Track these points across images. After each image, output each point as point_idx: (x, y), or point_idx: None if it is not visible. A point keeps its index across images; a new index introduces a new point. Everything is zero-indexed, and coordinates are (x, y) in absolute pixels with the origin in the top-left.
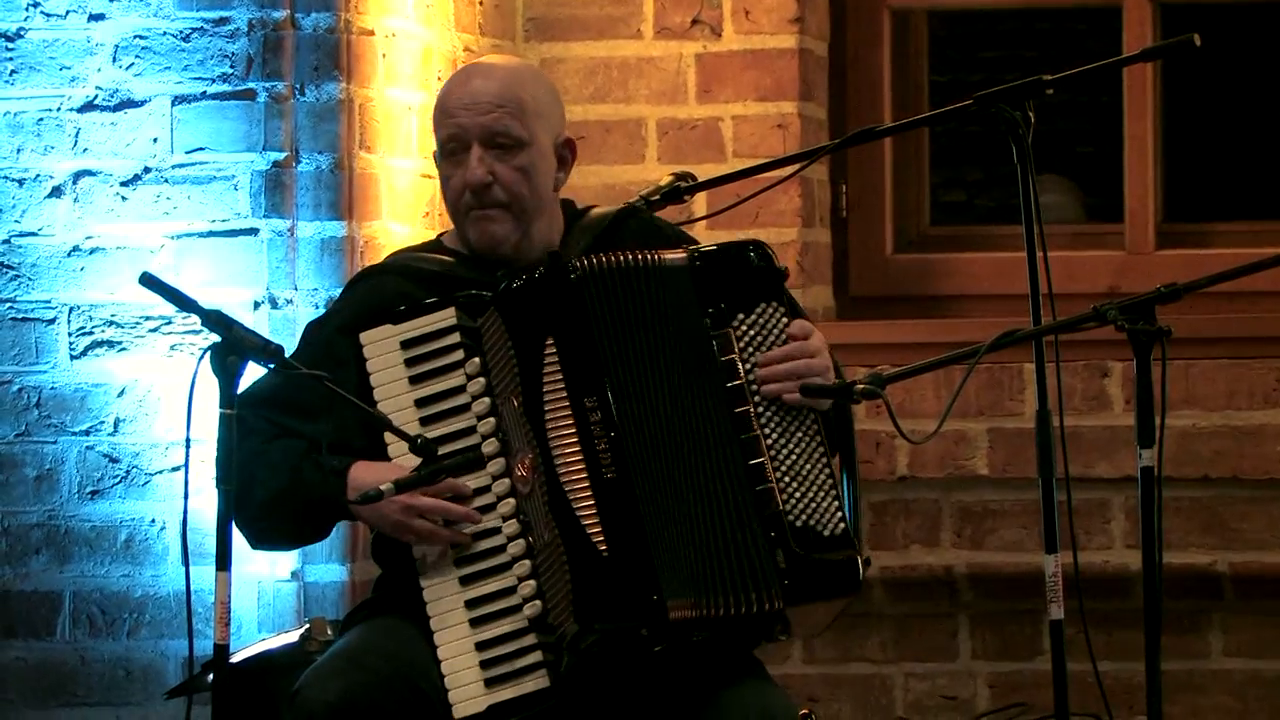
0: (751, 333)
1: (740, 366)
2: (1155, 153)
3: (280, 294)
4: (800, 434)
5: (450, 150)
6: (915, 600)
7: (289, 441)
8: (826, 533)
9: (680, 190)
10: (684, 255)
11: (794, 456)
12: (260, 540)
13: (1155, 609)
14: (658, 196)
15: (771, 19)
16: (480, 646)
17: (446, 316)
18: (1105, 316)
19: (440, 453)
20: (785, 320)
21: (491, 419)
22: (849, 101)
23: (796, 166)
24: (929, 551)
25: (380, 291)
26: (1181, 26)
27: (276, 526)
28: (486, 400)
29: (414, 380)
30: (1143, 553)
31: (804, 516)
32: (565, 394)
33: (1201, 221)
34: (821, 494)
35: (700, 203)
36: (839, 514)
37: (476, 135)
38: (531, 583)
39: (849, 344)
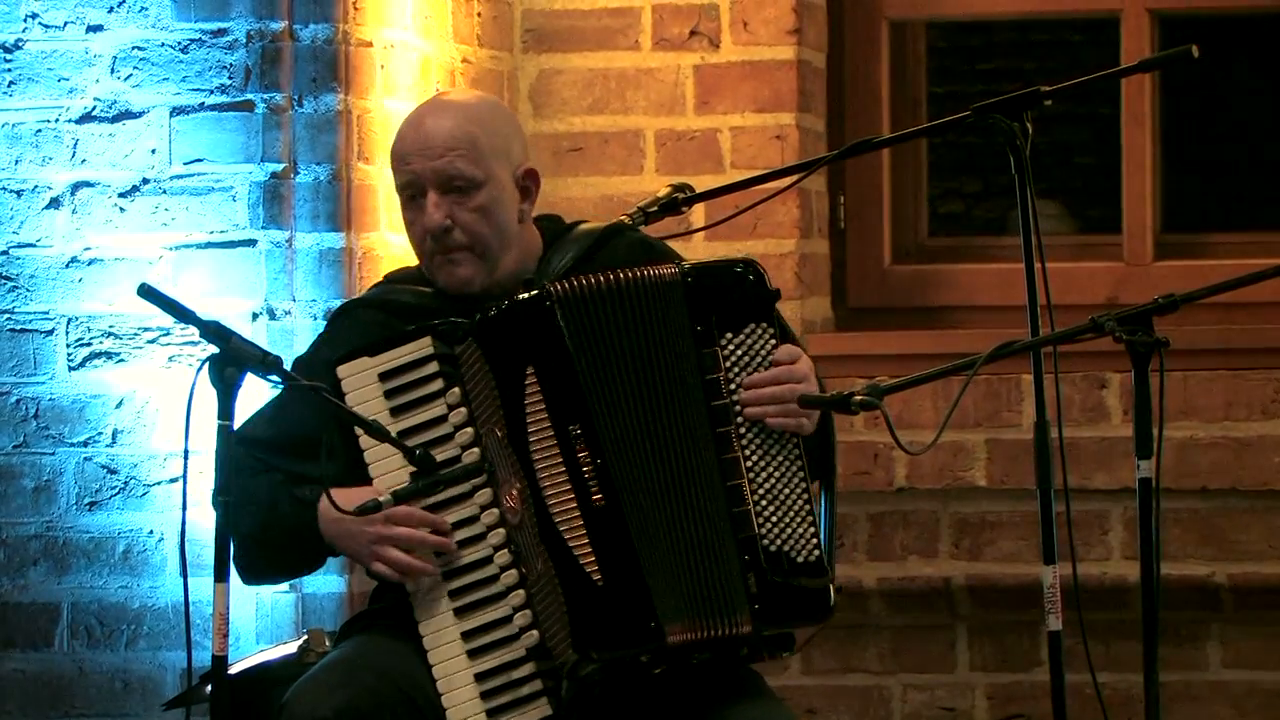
0: (739, 353)
1: (724, 386)
2: (1153, 164)
3: (278, 305)
4: (781, 458)
5: (409, 196)
6: (913, 611)
7: (271, 475)
8: (800, 559)
9: (678, 202)
10: (675, 270)
11: (772, 480)
12: (249, 576)
13: (1153, 620)
14: (655, 208)
15: (770, 30)
16: (480, 678)
17: (423, 346)
18: (1103, 327)
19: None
20: (774, 343)
21: (476, 449)
22: (847, 113)
23: (795, 178)
24: (927, 562)
25: (361, 326)
26: (1179, 38)
27: (261, 561)
28: (470, 430)
29: (395, 412)
30: (1141, 564)
31: (778, 541)
32: (549, 422)
33: (1200, 232)
34: (797, 519)
35: (698, 214)
36: (814, 540)
37: (431, 181)
38: (527, 612)
39: (847, 355)
